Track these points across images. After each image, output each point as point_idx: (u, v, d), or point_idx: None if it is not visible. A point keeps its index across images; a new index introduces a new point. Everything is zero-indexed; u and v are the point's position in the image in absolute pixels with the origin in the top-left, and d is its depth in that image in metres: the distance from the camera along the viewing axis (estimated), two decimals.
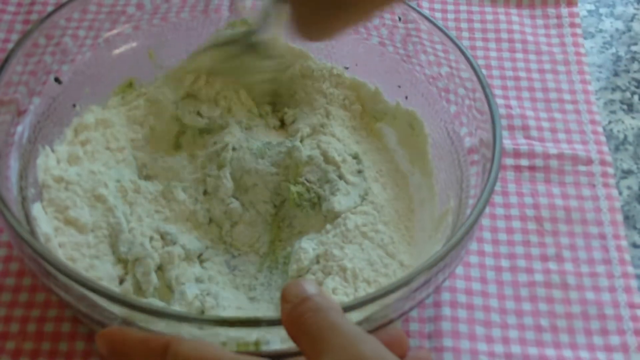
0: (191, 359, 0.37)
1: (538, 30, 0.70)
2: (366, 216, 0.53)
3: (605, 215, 0.58)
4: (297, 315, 0.38)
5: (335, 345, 0.36)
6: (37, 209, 0.51)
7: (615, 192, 0.59)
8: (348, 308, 0.41)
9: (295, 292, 0.39)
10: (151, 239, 0.52)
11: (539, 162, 0.61)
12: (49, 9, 0.67)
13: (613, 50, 0.70)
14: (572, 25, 0.70)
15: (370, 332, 0.43)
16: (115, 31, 0.59)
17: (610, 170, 0.60)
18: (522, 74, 0.66)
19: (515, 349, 0.51)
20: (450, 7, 0.71)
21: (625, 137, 0.64)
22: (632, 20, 0.72)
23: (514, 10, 0.71)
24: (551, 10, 0.71)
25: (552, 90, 0.65)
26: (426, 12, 0.58)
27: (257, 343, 0.43)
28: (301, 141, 0.57)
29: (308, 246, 0.51)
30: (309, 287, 0.39)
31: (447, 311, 0.52)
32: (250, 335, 0.42)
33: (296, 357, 0.41)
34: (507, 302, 0.53)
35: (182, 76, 0.58)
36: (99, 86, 0.58)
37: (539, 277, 0.54)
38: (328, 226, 0.53)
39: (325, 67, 0.60)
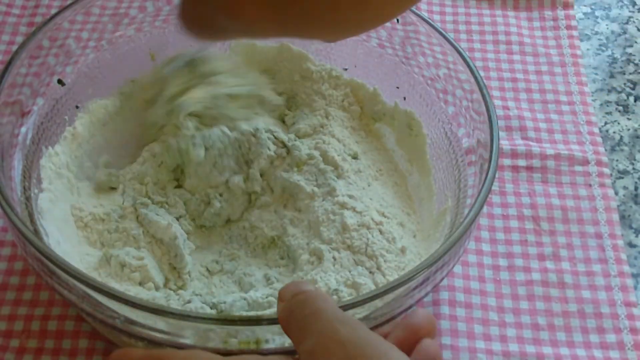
0: None
1: (535, 33, 0.70)
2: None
3: (601, 215, 0.58)
4: (288, 309, 0.39)
5: (315, 330, 0.36)
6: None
7: (611, 192, 0.60)
8: (347, 306, 0.42)
9: (291, 291, 0.40)
10: None
11: (536, 162, 0.61)
12: (53, 11, 0.67)
13: (609, 52, 0.71)
14: (569, 27, 0.70)
15: (380, 325, 0.43)
16: (117, 33, 0.59)
17: (607, 170, 0.61)
18: (520, 76, 0.67)
19: (513, 347, 0.51)
20: (449, 10, 0.71)
21: (621, 138, 0.65)
22: (627, 22, 0.73)
23: (511, 13, 0.71)
24: (548, 13, 0.72)
25: (548, 92, 0.66)
26: (424, 14, 0.59)
27: (257, 341, 0.43)
28: (299, 137, 0.58)
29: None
30: (303, 285, 0.40)
31: (445, 310, 0.53)
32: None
33: (294, 355, 0.41)
34: (505, 300, 0.54)
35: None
36: (101, 87, 0.58)
37: (536, 276, 0.55)
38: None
39: (324, 69, 0.61)
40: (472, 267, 0.55)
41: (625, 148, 0.64)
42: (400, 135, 0.59)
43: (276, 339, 0.43)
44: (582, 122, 0.64)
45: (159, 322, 0.43)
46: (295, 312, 0.38)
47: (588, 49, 0.70)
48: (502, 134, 0.62)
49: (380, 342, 0.36)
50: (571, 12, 0.72)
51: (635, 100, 0.67)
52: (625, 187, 0.61)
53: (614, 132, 0.65)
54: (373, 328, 0.44)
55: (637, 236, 0.59)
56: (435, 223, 0.53)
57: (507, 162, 0.61)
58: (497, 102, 0.64)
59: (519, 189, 0.60)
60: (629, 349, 0.52)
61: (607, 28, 0.72)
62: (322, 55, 0.61)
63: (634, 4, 0.74)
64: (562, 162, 0.61)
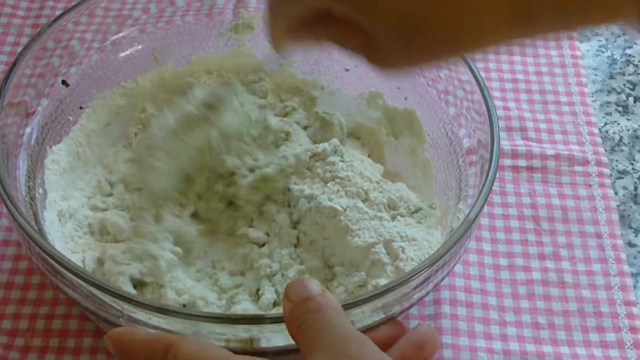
0: (191, 359, 0.38)
1: None
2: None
3: (601, 215, 0.59)
4: (298, 314, 0.39)
5: (325, 345, 0.37)
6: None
7: (611, 192, 0.60)
8: (348, 306, 0.42)
9: (299, 291, 0.40)
10: None
11: (536, 162, 0.61)
12: (57, 13, 0.68)
13: (608, 53, 0.71)
14: None
15: (381, 324, 0.44)
16: (121, 34, 0.59)
17: (606, 170, 0.61)
18: (520, 77, 0.67)
19: (514, 345, 0.52)
20: None
21: (621, 138, 0.65)
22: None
23: None
24: None
25: (549, 93, 0.66)
26: None
27: (251, 340, 0.43)
28: None
29: None
30: (313, 286, 0.40)
31: (446, 309, 0.53)
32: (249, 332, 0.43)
33: (296, 354, 0.41)
34: (506, 299, 0.54)
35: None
36: (105, 88, 0.59)
37: (536, 275, 0.55)
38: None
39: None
40: (473, 267, 0.55)
41: (625, 148, 0.64)
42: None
43: (279, 338, 0.43)
44: (582, 123, 0.64)
45: (162, 321, 0.43)
46: (307, 321, 0.38)
47: (588, 50, 0.71)
48: (502, 134, 0.62)
49: (387, 359, 0.37)
50: None
51: (634, 101, 0.68)
52: (624, 187, 0.62)
53: (614, 133, 0.65)
54: (374, 327, 0.44)
55: (636, 236, 0.59)
56: (436, 223, 0.53)
57: (507, 162, 0.61)
58: (498, 103, 0.65)
59: (519, 189, 0.60)
60: (628, 347, 0.52)
61: (607, 29, 0.72)
62: (324, 55, 0.62)
63: None
64: (562, 163, 0.61)
